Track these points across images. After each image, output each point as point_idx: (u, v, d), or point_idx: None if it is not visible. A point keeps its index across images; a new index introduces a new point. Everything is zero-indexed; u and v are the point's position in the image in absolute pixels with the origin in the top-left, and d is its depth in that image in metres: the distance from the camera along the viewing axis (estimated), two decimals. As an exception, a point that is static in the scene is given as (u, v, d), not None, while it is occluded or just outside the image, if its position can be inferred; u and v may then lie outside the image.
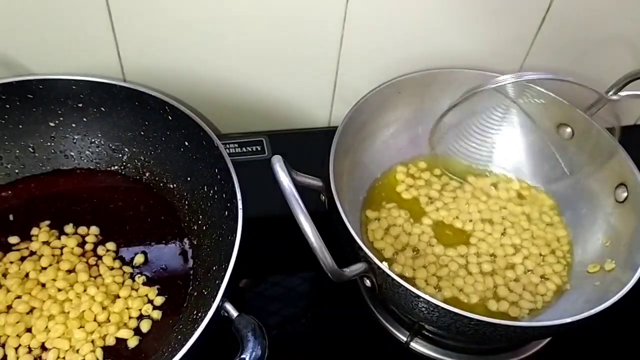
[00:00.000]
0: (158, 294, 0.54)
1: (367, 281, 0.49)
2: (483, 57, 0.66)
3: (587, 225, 0.60)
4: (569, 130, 0.62)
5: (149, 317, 0.52)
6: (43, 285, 0.53)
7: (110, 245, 0.56)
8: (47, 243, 0.56)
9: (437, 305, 0.45)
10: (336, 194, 0.50)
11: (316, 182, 0.53)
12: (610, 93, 0.59)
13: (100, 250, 0.56)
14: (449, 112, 0.60)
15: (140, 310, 0.53)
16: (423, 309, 0.46)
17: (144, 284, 0.54)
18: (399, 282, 0.45)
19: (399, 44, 0.64)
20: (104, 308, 0.52)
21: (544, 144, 0.64)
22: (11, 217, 0.57)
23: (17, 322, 0.50)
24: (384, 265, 0.46)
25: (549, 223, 0.62)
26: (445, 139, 0.65)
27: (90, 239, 0.57)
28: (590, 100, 0.61)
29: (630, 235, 0.54)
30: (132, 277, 0.55)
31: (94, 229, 0.57)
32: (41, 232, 0.56)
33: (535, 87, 0.62)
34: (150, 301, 0.53)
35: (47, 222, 0.57)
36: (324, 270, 0.45)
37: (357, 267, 0.48)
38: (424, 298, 0.45)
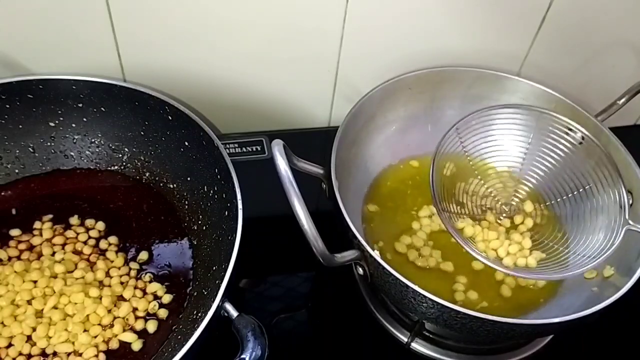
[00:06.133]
0: (165, 292, 0.54)
1: (360, 269, 0.50)
2: (483, 57, 0.66)
3: (590, 230, 0.59)
4: (579, 135, 0.62)
5: (155, 316, 0.52)
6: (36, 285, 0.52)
7: (113, 239, 0.57)
8: (49, 240, 0.56)
9: (425, 296, 0.45)
10: (334, 177, 0.51)
11: (317, 170, 0.54)
12: (623, 100, 0.59)
13: (103, 243, 0.56)
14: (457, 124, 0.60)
15: (146, 310, 0.52)
16: (412, 299, 0.46)
17: (150, 281, 0.54)
18: (389, 271, 0.46)
19: (398, 43, 0.64)
20: (109, 311, 0.52)
21: (551, 148, 0.63)
22: (14, 211, 0.57)
23: (20, 333, 0.50)
24: (375, 254, 0.47)
25: (549, 225, 0.62)
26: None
27: (94, 233, 0.57)
28: (602, 105, 0.61)
29: (632, 243, 0.54)
30: (137, 276, 0.55)
31: (100, 224, 0.58)
32: (44, 228, 0.56)
33: (546, 90, 0.62)
34: (158, 298, 0.53)
35: (50, 216, 0.57)
36: (315, 254, 0.45)
37: (349, 254, 0.48)
38: (412, 288, 0.45)
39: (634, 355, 0.58)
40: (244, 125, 0.70)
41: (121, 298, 0.53)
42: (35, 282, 0.52)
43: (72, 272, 0.54)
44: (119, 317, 0.52)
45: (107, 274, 0.54)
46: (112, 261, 0.55)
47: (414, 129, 0.65)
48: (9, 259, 0.54)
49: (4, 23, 0.55)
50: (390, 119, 0.64)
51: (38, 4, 0.54)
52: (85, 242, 0.56)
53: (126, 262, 0.55)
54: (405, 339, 0.55)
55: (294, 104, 0.69)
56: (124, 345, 0.50)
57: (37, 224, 0.57)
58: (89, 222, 0.58)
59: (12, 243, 0.55)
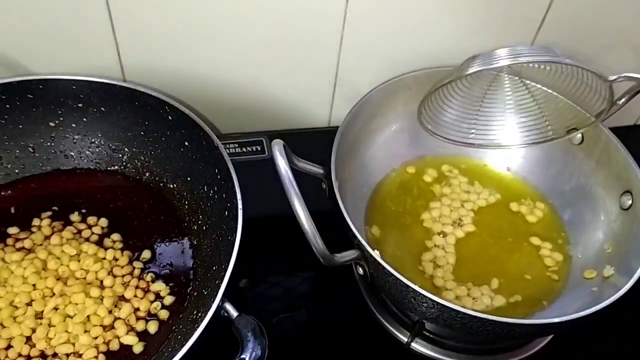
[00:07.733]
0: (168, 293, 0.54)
1: (360, 269, 0.50)
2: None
3: (589, 230, 0.60)
4: (579, 135, 0.62)
5: (156, 317, 0.52)
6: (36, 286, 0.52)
7: (116, 236, 0.57)
8: (48, 238, 0.56)
9: (425, 296, 0.45)
10: (335, 177, 0.51)
11: (317, 169, 0.54)
12: (623, 100, 0.59)
13: (108, 242, 0.56)
14: (438, 89, 0.57)
15: (147, 310, 0.52)
16: (412, 299, 0.46)
17: (153, 281, 0.54)
18: (389, 271, 0.46)
19: (398, 43, 0.64)
20: (110, 312, 0.52)
21: (552, 148, 0.63)
22: (12, 210, 0.57)
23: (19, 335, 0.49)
24: (375, 254, 0.47)
25: (547, 224, 0.62)
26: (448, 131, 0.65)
27: (97, 230, 0.57)
28: (601, 106, 0.61)
29: (632, 242, 0.54)
30: (140, 276, 0.55)
31: (103, 221, 0.58)
32: (43, 225, 0.56)
33: (546, 90, 0.62)
34: (160, 298, 0.53)
35: (49, 213, 0.57)
36: (315, 254, 0.45)
37: (349, 253, 0.48)
38: (412, 288, 0.45)
39: (634, 355, 0.58)
40: (244, 125, 0.70)
41: (122, 298, 0.53)
42: (34, 285, 0.52)
43: (73, 271, 0.54)
44: (120, 317, 0.51)
45: (109, 273, 0.54)
46: (116, 259, 0.55)
47: (414, 128, 0.65)
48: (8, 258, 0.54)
49: (5, 23, 0.55)
50: (390, 119, 0.64)
51: (38, 4, 0.54)
52: (87, 239, 0.56)
53: (130, 262, 0.55)
54: (405, 339, 0.55)
55: (294, 104, 0.69)
56: (124, 346, 0.50)
57: (35, 221, 0.56)
58: (91, 219, 0.58)
59: (9, 241, 0.55)
